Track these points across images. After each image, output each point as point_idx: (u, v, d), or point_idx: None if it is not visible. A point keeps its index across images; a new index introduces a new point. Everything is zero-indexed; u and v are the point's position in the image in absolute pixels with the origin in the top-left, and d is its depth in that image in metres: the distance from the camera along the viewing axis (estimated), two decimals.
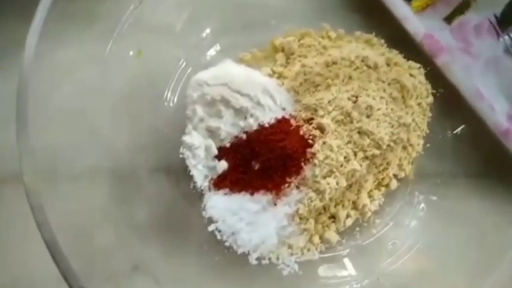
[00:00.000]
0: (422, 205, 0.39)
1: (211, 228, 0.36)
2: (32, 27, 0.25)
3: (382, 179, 0.39)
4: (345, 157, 0.36)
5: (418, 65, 0.40)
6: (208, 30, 0.40)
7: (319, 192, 0.36)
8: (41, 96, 0.27)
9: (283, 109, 0.38)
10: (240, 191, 0.37)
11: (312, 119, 0.37)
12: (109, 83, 0.34)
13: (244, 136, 0.37)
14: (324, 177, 0.36)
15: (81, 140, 0.32)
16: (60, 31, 0.28)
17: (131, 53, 0.35)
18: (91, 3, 0.32)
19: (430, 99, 0.40)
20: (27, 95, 0.25)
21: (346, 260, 0.37)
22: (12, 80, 0.39)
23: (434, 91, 0.40)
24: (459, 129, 0.40)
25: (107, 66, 0.34)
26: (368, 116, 0.37)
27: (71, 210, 0.28)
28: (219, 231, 0.36)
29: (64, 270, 0.23)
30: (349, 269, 0.37)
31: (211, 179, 0.38)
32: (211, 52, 0.41)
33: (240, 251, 0.35)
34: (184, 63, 0.39)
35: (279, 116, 0.38)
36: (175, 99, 0.39)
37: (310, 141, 0.37)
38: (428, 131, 0.40)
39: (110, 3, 0.34)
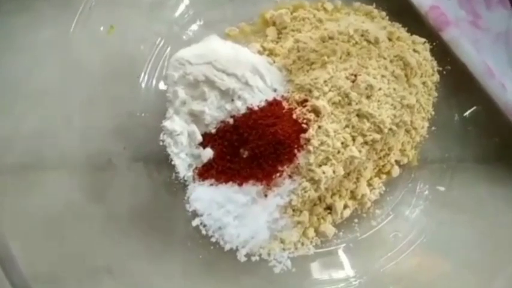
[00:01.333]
0: (427, 193, 0.37)
1: (195, 222, 0.33)
2: None
3: (383, 165, 0.36)
4: (342, 143, 0.33)
5: (422, 40, 0.37)
6: (192, 1, 0.36)
7: (314, 181, 0.33)
8: (8, 78, 0.24)
9: (274, 90, 0.35)
10: (227, 181, 0.34)
11: (306, 100, 0.34)
12: (80, 63, 0.31)
13: (231, 121, 0.34)
14: (320, 165, 0.33)
15: (50, 126, 0.29)
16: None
17: (102, 28, 0.31)
18: None
19: (436, 77, 0.37)
20: None
21: (343, 255, 0.35)
22: None
23: (440, 68, 0.37)
24: (468, 111, 0.36)
25: (76, 45, 0.30)
26: (368, 97, 0.34)
27: (38, 205, 0.25)
28: (204, 225, 0.33)
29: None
30: (347, 264, 0.35)
31: (196, 168, 0.35)
32: (194, 27, 0.37)
33: (227, 247, 0.33)
34: (163, 40, 0.36)
35: (270, 98, 0.35)
36: (154, 81, 0.36)
37: (304, 126, 0.34)
38: (433, 113, 0.37)
39: None
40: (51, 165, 0.30)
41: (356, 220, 0.36)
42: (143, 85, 0.35)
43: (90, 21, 0.31)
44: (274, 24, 0.38)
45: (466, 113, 0.37)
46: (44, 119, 0.30)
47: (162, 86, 0.35)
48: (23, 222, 0.23)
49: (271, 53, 0.37)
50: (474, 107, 0.37)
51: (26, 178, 0.26)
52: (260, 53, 0.37)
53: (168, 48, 0.35)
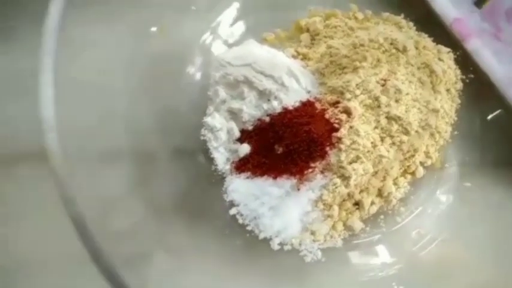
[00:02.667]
0: (448, 194, 0.38)
1: (232, 212, 0.35)
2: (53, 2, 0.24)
3: (408, 166, 0.38)
4: (371, 142, 0.35)
5: (447, 50, 0.39)
6: (233, 8, 0.39)
7: (344, 178, 0.35)
8: (63, 72, 0.26)
9: (308, 92, 0.37)
10: (262, 175, 0.36)
11: (338, 102, 0.36)
12: (130, 61, 0.33)
13: (267, 119, 0.36)
14: (350, 163, 0.35)
15: (102, 119, 0.31)
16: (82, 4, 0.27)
17: (153, 29, 0.34)
18: None
19: (459, 85, 0.39)
20: (50, 70, 0.24)
21: (369, 248, 0.37)
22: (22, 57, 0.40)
23: (463, 77, 0.39)
24: (489, 117, 0.39)
25: (127, 42, 0.33)
26: (396, 101, 0.36)
27: (95, 190, 0.27)
28: (241, 215, 0.35)
29: (91, 248, 0.22)
30: (372, 257, 0.37)
31: (233, 162, 0.37)
32: (235, 31, 0.40)
33: (262, 235, 0.35)
34: (207, 41, 0.38)
35: (304, 99, 0.37)
36: (198, 79, 0.38)
37: (336, 126, 0.36)
38: (456, 118, 0.39)
39: None
40: (101, 157, 0.32)
41: (382, 216, 0.37)
42: (187, 83, 0.38)
43: (142, 22, 0.33)
44: (307, 30, 0.41)
45: (488, 118, 0.39)
46: (95, 113, 0.32)
47: (204, 84, 0.37)
48: (87, 202, 0.25)
49: (304, 58, 0.40)
50: (494, 113, 0.38)
51: (76, 167, 0.28)
52: (294, 57, 0.40)
53: (211, 50, 0.38)
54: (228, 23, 0.40)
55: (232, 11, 0.39)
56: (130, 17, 0.32)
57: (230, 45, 0.38)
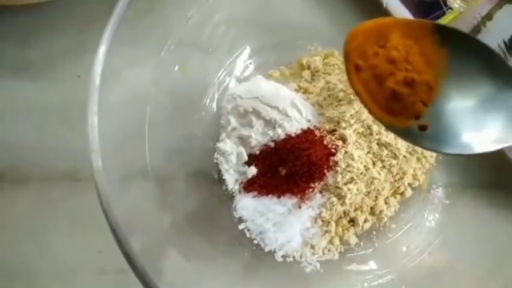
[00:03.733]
0: (435, 213, 0.42)
1: (241, 227, 0.39)
2: (104, 36, 0.30)
3: (398, 187, 0.42)
4: (364, 166, 0.40)
5: None
6: (245, 50, 0.44)
7: (341, 197, 0.39)
8: (103, 102, 0.31)
9: (308, 121, 0.42)
10: (267, 194, 0.40)
11: (334, 130, 0.41)
12: (156, 93, 0.38)
13: (272, 144, 0.41)
14: (345, 184, 0.39)
15: (132, 142, 0.36)
16: (122, 43, 0.32)
17: (177, 67, 0.40)
18: (152, 23, 0.37)
19: None
20: (95, 98, 0.29)
21: (363, 261, 0.41)
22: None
23: None
24: None
25: (155, 78, 0.38)
26: (386, 129, 0.41)
27: (127, 203, 0.32)
28: (248, 230, 0.39)
29: (126, 252, 0.27)
30: (365, 268, 0.40)
31: (241, 182, 0.41)
32: (246, 69, 0.45)
33: (267, 248, 0.39)
34: (222, 78, 0.43)
35: (305, 127, 0.41)
36: (212, 110, 0.43)
37: (333, 151, 0.40)
38: None
39: (168, 23, 0.38)
40: (130, 176, 0.37)
41: (374, 232, 0.41)
42: (203, 113, 0.43)
43: (168, 61, 0.39)
44: (308, 68, 0.45)
45: None
46: (126, 137, 0.37)
47: (217, 114, 0.42)
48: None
49: (305, 91, 0.44)
50: None
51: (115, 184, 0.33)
52: (297, 90, 0.44)
53: (225, 85, 0.43)
54: (240, 62, 0.44)
55: (244, 52, 0.44)
56: (158, 57, 0.38)
57: (241, 81, 0.43)
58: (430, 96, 0.27)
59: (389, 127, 0.31)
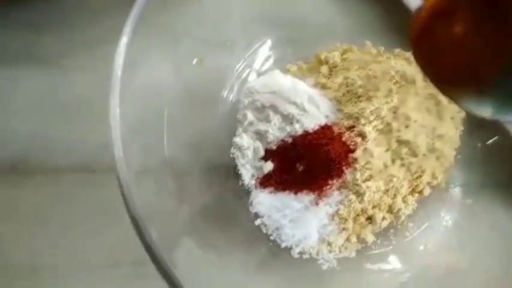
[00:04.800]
0: (452, 212, 0.42)
1: (257, 222, 0.39)
2: (126, 28, 0.29)
3: (416, 185, 0.41)
4: (383, 163, 0.39)
5: None
6: (264, 45, 0.44)
7: (359, 194, 0.39)
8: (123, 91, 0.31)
9: (326, 117, 0.41)
10: (284, 190, 0.40)
11: (353, 126, 0.40)
12: (174, 87, 0.38)
13: (290, 140, 0.40)
14: (364, 181, 0.39)
15: (149, 134, 0.36)
16: (141, 36, 0.32)
17: (194, 61, 0.39)
18: (170, 17, 0.37)
19: (463, 114, 0.43)
20: (117, 90, 0.29)
21: (380, 259, 0.40)
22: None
23: None
24: (489, 141, 0.42)
25: (173, 71, 0.38)
26: (406, 127, 0.40)
27: (147, 194, 0.31)
28: (265, 225, 0.39)
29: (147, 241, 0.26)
30: (383, 266, 0.40)
31: (258, 178, 0.41)
32: (264, 63, 0.45)
33: (283, 244, 0.38)
34: (240, 72, 0.43)
35: (323, 123, 0.41)
36: (229, 104, 0.43)
37: (351, 147, 0.40)
38: (460, 143, 0.43)
39: (186, 17, 0.38)
40: (144, 168, 0.36)
41: (392, 231, 0.41)
42: (219, 107, 0.42)
43: (186, 55, 0.39)
44: (326, 63, 0.45)
45: (488, 144, 0.42)
46: (142, 127, 0.36)
47: (234, 109, 0.42)
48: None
49: (323, 87, 0.43)
50: (494, 138, 0.42)
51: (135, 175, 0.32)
52: (314, 86, 0.43)
53: (243, 79, 0.43)
54: (260, 55, 0.44)
55: (263, 45, 0.44)
56: (176, 51, 0.38)
57: (260, 74, 0.43)
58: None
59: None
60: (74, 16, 0.48)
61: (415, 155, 0.40)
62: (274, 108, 0.41)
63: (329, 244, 0.39)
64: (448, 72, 0.28)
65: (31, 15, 0.47)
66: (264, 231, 0.39)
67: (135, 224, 0.27)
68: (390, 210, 0.41)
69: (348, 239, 0.40)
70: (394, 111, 0.41)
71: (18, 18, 0.47)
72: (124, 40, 0.29)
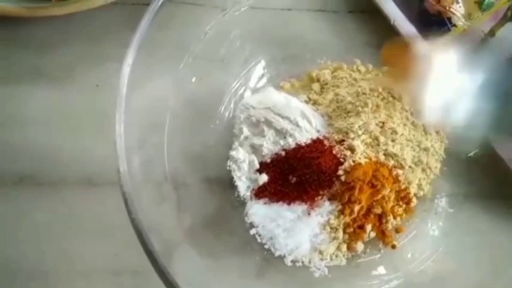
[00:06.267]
0: (439, 222, 0.44)
1: (252, 232, 0.41)
2: (129, 50, 0.32)
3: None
4: None
5: None
6: (258, 63, 0.46)
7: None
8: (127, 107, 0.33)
9: (318, 131, 0.43)
10: (278, 201, 0.41)
11: (343, 140, 0.43)
12: (174, 103, 0.40)
13: (283, 153, 0.42)
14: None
15: (151, 148, 0.38)
16: (144, 56, 0.34)
17: (194, 79, 0.42)
18: (172, 37, 0.39)
19: (448, 128, 0.45)
20: (122, 107, 0.31)
21: (370, 267, 0.42)
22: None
23: None
24: (472, 153, 0.44)
25: (173, 88, 0.40)
26: (393, 140, 0.42)
27: (147, 203, 0.33)
28: (259, 235, 0.41)
29: (150, 249, 0.28)
30: (371, 274, 0.42)
31: (253, 189, 0.43)
32: (260, 79, 0.47)
33: (277, 253, 0.40)
34: (236, 89, 0.45)
35: (314, 137, 0.43)
36: (226, 119, 0.45)
37: (341, 160, 0.42)
38: (445, 156, 0.45)
39: (186, 37, 0.40)
40: (146, 180, 0.38)
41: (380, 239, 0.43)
42: (217, 122, 0.44)
43: (186, 73, 0.41)
44: (318, 80, 0.47)
45: (471, 155, 0.44)
46: (144, 142, 0.38)
47: (230, 124, 0.44)
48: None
49: (315, 103, 0.46)
50: (477, 151, 0.44)
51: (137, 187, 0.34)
52: (306, 102, 0.46)
53: (239, 95, 0.45)
54: (254, 74, 0.46)
55: (258, 65, 0.46)
56: (177, 69, 0.40)
57: (255, 91, 0.45)
58: None
59: None
60: (79, 34, 0.50)
61: (401, 167, 0.42)
62: (269, 123, 0.43)
63: (320, 253, 0.41)
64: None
65: (36, 36, 0.49)
66: (259, 240, 0.41)
67: (139, 234, 0.29)
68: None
69: (338, 248, 0.42)
70: (381, 126, 0.43)
71: (27, 37, 0.50)
72: (129, 61, 0.32)
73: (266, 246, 0.41)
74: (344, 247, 0.42)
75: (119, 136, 0.30)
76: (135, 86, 0.34)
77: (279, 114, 0.43)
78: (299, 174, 0.41)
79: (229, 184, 0.43)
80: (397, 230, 0.43)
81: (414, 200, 0.43)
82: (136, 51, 0.32)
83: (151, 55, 0.35)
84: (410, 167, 0.43)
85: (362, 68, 0.48)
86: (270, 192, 0.42)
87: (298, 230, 0.41)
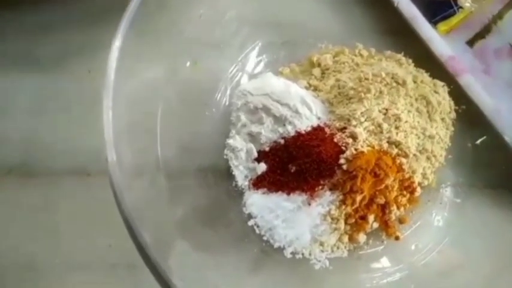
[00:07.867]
0: (443, 212, 0.43)
1: (250, 223, 0.39)
2: (118, 32, 0.30)
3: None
4: None
5: (442, 83, 0.44)
6: (256, 47, 0.45)
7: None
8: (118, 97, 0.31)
9: (319, 118, 0.42)
10: (277, 190, 0.40)
11: (345, 128, 0.41)
12: (168, 89, 0.38)
13: (282, 141, 0.41)
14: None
15: (143, 136, 0.36)
16: (135, 39, 0.33)
17: (188, 63, 0.40)
18: (164, 20, 0.37)
19: (453, 114, 0.44)
20: (110, 93, 0.30)
21: (371, 259, 0.41)
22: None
23: (456, 107, 0.44)
24: (479, 141, 0.43)
25: (167, 74, 0.38)
26: (397, 128, 0.41)
27: (140, 195, 0.32)
28: (258, 226, 0.39)
29: (140, 242, 0.27)
30: (374, 266, 0.40)
31: (251, 179, 0.41)
32: (257, 65, 0.45)
33: (276, 245, 0.39)
34: (233, 74, 0.44)
35: (315, 125, 0.41)
36: (223, 106, 0.43)
37: (343, 148, 0.40)
38: (450, 144, 0.43)
39: (179, 20, 0.38)
40: (142, 170, 0.37)
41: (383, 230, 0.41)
42: (213, 110, 0.43)
43: (180, 57, 0.39)
44: (319, 65, 0.45)
45: (477, 143, 0.43)
46: (136, 130, 0.37)
47: (227, 111, 0.42)
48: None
49: (315, 89, 0.44)
50: (484, 139, 0.43)
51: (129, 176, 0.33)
52: (307, 88, 0.44)
53: (236, 81, 0.43)
54: (252, 58, 0.45)
55: (255, 48, 0.45)
56: (170, 53, 0.38)
57: (252, 77, 0.43)
58: None
59: None
60: (69, 22, 0.48)
61: (405, 155, 0.41)
62: (267, 110, 0.41)
63: (321, 244, 0.40)
64: None
65: (28, 22, 0.48)
66: (257, 231, 0.39)
67: (128, 226, 0.27)
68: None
69: (340, 239, 0.40)
70: (385, 112, 0.41)
71: (15, 25, 0.48)
72: (116, 44, 0.30)
73: (265, 238, 0.39)
74: (346, 238, 0.41)
75: (107, 123, 0.29)
76: (126, 72, 0.32)
77: (277, 101, 0.41)
78: (299, 163, 0.40)
79: (226, 174, 0.41)
80: (401, 221, 0.41)
81: (418, 189, 0.42)
82: (126, 33, 0.31)
83: (142, 38, 0.34)
84: (414, 155, 0.41)
85: (364, 53, 0.46)
86: (268, 182, 0.41)
87: (298, 221, 0.39)
